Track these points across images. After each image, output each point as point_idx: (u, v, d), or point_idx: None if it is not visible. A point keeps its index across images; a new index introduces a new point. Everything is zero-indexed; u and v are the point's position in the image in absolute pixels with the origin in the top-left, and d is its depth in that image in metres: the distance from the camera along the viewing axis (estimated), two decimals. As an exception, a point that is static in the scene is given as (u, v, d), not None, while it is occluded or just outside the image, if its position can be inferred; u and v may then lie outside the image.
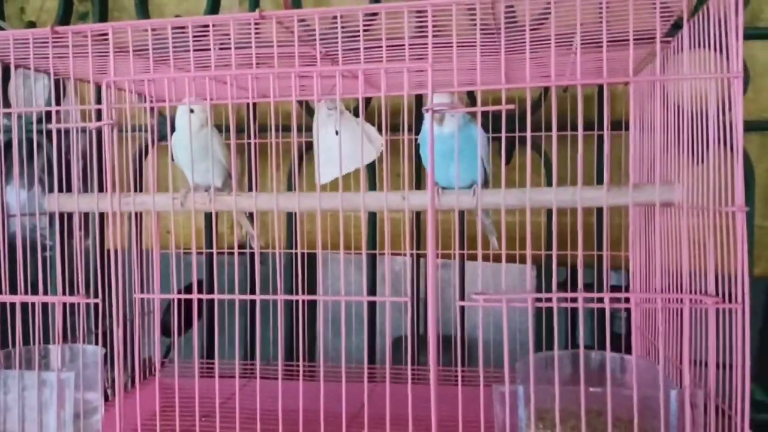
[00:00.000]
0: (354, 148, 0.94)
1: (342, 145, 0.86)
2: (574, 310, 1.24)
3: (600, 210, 1.31)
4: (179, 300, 1.44)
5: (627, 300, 0.75)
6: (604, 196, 0.78)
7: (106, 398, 1.08)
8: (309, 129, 1.12)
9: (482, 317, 0.79)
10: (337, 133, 0.92)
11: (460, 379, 0.82)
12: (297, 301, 0.91)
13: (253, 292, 1.19)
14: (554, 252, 0.77)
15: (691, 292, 0.76)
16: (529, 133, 0.78)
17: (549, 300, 0.76)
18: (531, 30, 0.88)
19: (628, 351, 0.85)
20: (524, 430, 0.78)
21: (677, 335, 0.83)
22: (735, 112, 0.71)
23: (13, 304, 0.94)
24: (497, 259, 1.23)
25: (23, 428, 0.92)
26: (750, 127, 1.32)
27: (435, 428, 0.82)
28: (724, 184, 0.76)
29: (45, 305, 0.98)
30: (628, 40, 0.86)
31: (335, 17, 0.83)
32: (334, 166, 0.90)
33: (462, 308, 1.39)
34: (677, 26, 0.92)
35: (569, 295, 0.74)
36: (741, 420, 0.72)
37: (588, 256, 1.27)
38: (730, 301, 0.72)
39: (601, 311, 0.75)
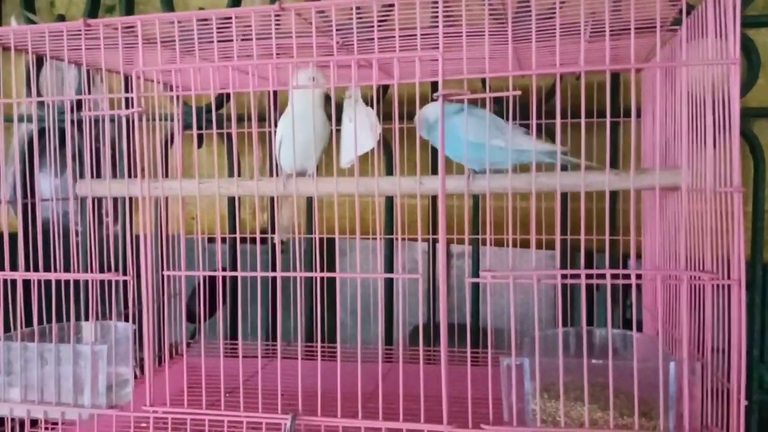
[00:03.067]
0: (363, 134, 0.99)
1: (353, 132, 0.90)
2: (598, 291, 1.29)
3: (613, 195, 1.35)
4: (204, 286, 1.50)
5: (628, 277, 0.78)
6: (606, 181, 0.82)
7: (135, 377, 1.14)
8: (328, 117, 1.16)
9: (490, 294, 0.82)
10: (350, 120, 0.96)
11: (468, 357, 0.86)
12: (316, 285, 0.95)
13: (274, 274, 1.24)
14: (557, 234, 0.80)
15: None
16: (533, 120, 0.81)
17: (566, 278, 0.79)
18: (543, 19, 0.91)
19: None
20: (530, 400, 0.82)
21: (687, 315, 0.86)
22: (732, 97, 0.74)
23: (48, 282, 1.00)
24: (512, 243, 1.27)
25: (60, 399, 0.98)
26: (762, 113, 1.34)
27: (445, 404, 0.86)
28: (736, 167, 0.78)
29: (77, 286, 1.03)
30: (637, 28, 0.89)
31: (352, 8, 0.86)
32: (348, 151, 0.94)
33: (477, 294, 1.44)
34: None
35: (572, 272, 0.78)
36: (738, 392, 0.75)
37: (603, 242, 1.30)
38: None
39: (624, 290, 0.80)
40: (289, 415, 0.90)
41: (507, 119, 1.20)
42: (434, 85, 1.41)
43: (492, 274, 0.80)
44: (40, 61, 1.50)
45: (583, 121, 0.79)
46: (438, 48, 0.82)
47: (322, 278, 0.93)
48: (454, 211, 1.41)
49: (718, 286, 0.78)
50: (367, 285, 0.94)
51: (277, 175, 1.10)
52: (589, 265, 1.44)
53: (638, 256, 1.24)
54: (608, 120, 0.80)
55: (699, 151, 0.86)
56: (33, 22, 1.61)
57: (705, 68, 0.83)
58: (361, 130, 0.99)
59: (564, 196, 1.36)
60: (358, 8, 0.87)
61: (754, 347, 1.31)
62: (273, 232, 1.40)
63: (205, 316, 1.51)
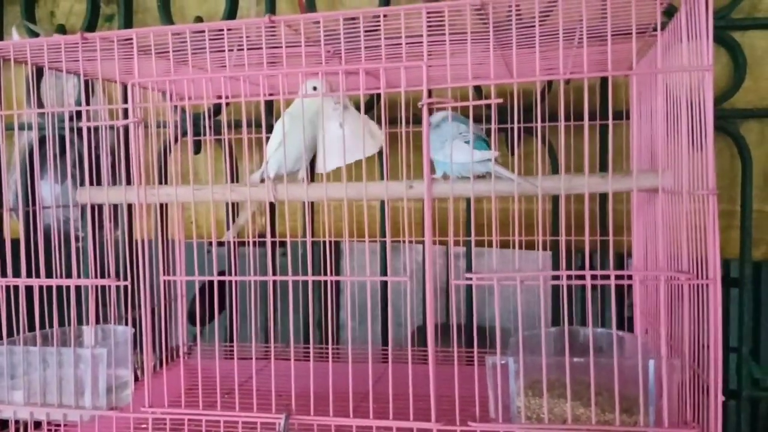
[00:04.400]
0: (357, 141, 1.01)
1: (347, 138, 0.92)
2: (600, 292, 1.32)
3: (604, 197, 1.37)
4: (203, 291, 1.53)
5: (609, 278, 0.81)
6: (586, 183, 0.84)
7: (136, 379, 1.16)
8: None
9: (476, 296, 0.85)
10: (341, 126, 0.99)
11: (455, 356, 0.88)
12: (312, 288, 0.98)
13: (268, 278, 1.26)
14: (538, 236, 0.83)
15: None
16: (516, 125, 0.84)
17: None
18: (529, 27, 0.94)
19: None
20: (515, 398, 0.85)
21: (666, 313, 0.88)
22: (706, 103, 0.77)
23: (49, 288, 1.02)
24: (505, 245, 1.29)
25: (61, 401, 1.00)
26: (749, 114, 1.36)
27: (434, 402, 0.89)
28: (711, 170, 0.80)
29: (78, 291, 1.06)
30: (623, 33, 0.91)
31: (339, 20, 0.89)
32: (337, 156, 0.97)
33: (470, 294, 1.46)
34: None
35: (554, 273, 0.80)
36: (715, 387, 0.77)
37: (597, 242, 1.33)
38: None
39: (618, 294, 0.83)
40: (283, 415, 0.92)
41: (490, 124, 1.23)
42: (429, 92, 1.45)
43: (477, 276, 0.82)
44: (39, 71, 1.53)
45: (562, 124, 0.82)
46: (431, 56, 0.85)
47: (319, 281, 0.96)
48: (448, 213, 1.43)
49: (696, 285, 0.80)
50: (363, 286, 0.96)
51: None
52: (582, 266, 1.47)
53: (630, 255, 1.27)
54: (586, 123, 0.83)
55: (680, 152, 0.88)
56: (34, 33, 1.64)
57: (684, 73, 0.85)
58: (354, 136, 1.01)
59: (555, 197, 1.39)
60: (346, 20, 0.89)
61: (744, 344, 1.33)
62: (273, 236, 1.42)
63: (205, 320, 1.54)
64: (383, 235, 1.49)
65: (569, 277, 0.82)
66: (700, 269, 0.81)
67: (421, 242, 1.50)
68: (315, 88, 1.10)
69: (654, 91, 1.04)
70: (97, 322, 1.10)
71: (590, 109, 1.31)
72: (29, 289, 1.04)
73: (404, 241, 1.00)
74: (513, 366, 0.83)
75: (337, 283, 1.58)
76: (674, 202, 0.89)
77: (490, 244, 1.37)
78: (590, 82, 1.39)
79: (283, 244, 1.69)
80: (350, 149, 0.96)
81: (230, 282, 1.09)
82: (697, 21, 0.79)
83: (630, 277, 0.96)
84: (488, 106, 1.39)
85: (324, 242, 1.36)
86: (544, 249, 1.40)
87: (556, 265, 1.37)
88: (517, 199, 0.86)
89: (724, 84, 1.35)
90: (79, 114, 1.37)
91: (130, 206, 1.46)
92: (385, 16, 0.88)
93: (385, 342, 1.50)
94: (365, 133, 1.05)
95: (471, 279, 0.83)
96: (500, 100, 0.81)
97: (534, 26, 0.93)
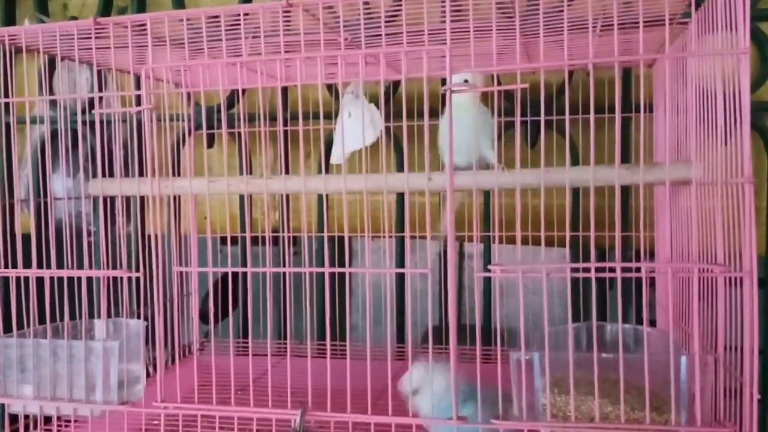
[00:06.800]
0: (358, 129, 0.98)
1: (351, 127, 0.89)
2: (611, 290, 1.28)
3: (625, 191, 1.34)
4: (217, 287, 1.51)
5: (639, 270, 0.78)
6: (616, 175, 0.81)
7: (147, 375, 1.14)
8: (336, 115, 1.16)
9: (498, 289, 0.82)
10: (350, 115, 0.96)
11: (478, 353, 0.85)
12: (327, 282, 0.95)
13: (284, 275, 1.24)
14: (567, 230, 0.80)
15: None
16: (543, 117, 0.81)
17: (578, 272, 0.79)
18: (552, 14, 0.91)
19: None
20: (540, 395, 0.82)
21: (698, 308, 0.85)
22: (742, 88, 0.74)
23: (60, 280, 1.00)
24: (525, 241, 1.27)
25: (72, 395, 0.98)
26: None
27: (455, 399, 0.86)
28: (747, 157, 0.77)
29: (90, 285, 1.04)
30: (646, 22, 0.88)
31: (359, 4, 0.87)
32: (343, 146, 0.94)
33: (488, 293, 1.43)
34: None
35: (582, 265, 0.77)
36: (750, 386, 0.74)
37: (616, 239, 1.30)
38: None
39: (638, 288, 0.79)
40: (299, 411, 0.90)
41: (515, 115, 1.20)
42: (443, 83, 1.42)
43: (501, 268, 0.80)
44: (52, 65, 1.52)
45: (592, 116, 0.79)
46: (446, 43, 0.82)
47: (333, 277, 0.93)
48: (464, 208, 1.40)
49: (730, 279, 0.77)
50: (378, 285, 0.94)
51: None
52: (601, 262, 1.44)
53: (652, 254, 1.23)
54: (618, 114, 0.80)
55: (710, 144, 0.85)
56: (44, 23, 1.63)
57: (715, 62, 0.82)
58: (358, 124, 0.98)
59: (575, 192, 1.35)
60: (365, 4, 0.87)
61: (770, 346, 1.30)
62: (284, 231, 1.40)
63: (217, 317, 1.52)
64: (398, 230, 1.46)
65: (583, 270, 0.79)
66: (732, 263, 0.78)
67: (436, 238, 1.48)
68: (466, 81, 1.07)
69: (681, 80, 1.01)
70: (109, 316, 1.08)
71: (612, 103, 1.29)
72: (40, 282, 1.02)
73: (413, 237, 0.97)
74: (538, 362, 0.80)
75: (348, 282, 1.56)
76: (703, 193, 0.86)
77: (498, 241, 1.35)
78: (611, 75, 1.37)
79: (295, 242, 1.67)
80: (352, 138, 0.93)
81: (244, 277, 1.06)
82: (732, 6, 0.76)
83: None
84: (506, 98, 1.38)
85: (336, 238, 1.34)
86: (560, 246, 1.37)
87: (566, 259, 1.34)
88: (543, 194, 0.83)
89: (750, 76, 1.31)
90: (91, 105, 1.36)
91: (142, 200, 1.44)
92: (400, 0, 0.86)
93: (395, 340, 1.47)
94: (365, 120, 1.01)
95: (494, 271, 0.80)
96: (526, 85, 0.78)
97: (556, 14, 0.90)
